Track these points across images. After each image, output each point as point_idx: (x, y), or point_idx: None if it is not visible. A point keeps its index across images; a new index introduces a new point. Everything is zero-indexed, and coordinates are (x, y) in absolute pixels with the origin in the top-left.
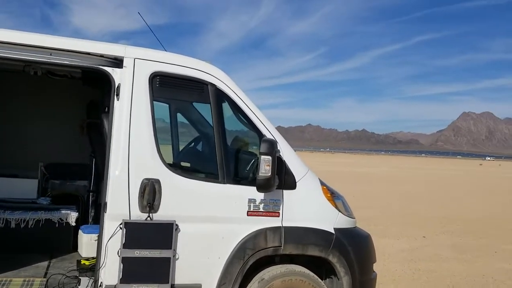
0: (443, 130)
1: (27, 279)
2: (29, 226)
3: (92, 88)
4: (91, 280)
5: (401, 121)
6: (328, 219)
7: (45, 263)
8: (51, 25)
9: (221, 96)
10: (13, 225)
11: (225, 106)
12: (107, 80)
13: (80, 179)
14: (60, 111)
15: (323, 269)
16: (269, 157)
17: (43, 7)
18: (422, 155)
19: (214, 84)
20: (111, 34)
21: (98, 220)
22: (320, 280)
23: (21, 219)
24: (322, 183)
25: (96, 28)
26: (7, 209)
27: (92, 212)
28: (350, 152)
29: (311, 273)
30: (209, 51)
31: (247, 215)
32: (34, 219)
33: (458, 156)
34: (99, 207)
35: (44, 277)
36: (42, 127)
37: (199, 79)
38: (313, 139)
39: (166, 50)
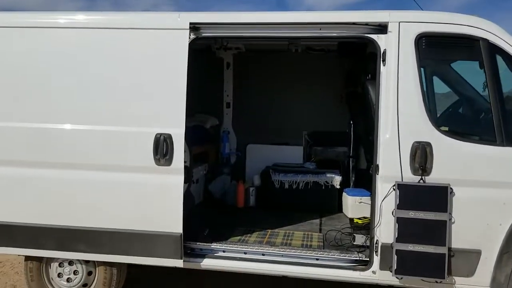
0: None
1: (306, 233)
2: (299, 188)
3: (348, 59)
4: (366, 238)
5: None
6: None
7: (317, 221)
8: (287, 6)
9: (494, 51)
10: (286, 186)
11: (500, 61)
12: (364, 47)
13: (340, 145)
14: (319, 84)
15: None
16: None
17: None
18: None
19: (486, 39)
20: (342, 7)
21: (359, 184)
22: None
23: (293, 181)
24: None
25: (327, 3)
26: (280, 172)
27: (353, 176)
28: None
29: None
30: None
31: None
32: (303, 181)
33: None
34: (359, 171)
35: (320, 232)
36: (304, 99)
37: (469, 35)
38: None
39: (422, 9)
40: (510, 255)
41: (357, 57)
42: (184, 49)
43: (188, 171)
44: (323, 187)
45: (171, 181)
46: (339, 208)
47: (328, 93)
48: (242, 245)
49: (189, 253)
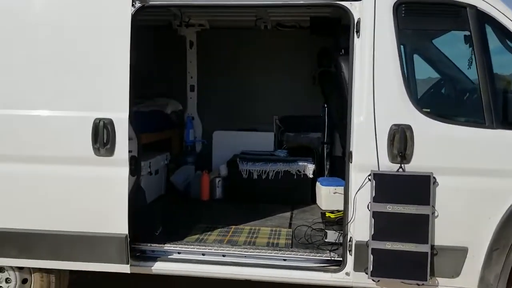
0: None
1: (274, 228)
2: (269, 178)
3: (321, 36)
4: (339, 234)
5: None
6: None
7: (288, 214)
8: None
9: (484, 20)
10: (255, 176)
11: (490, 33)
12: (338, 22)
13: (314, 131)
14: (291, 64)
15: None
16: None
17: None
18: None
19: (474, 6)
20: None
21: (334, 173)
22: None
23: (262, 170)
24: None
25: None
26: (249, 161)
27: (328, 164)
28: None
29: None
30: None
31: None
32: (274, 170)
33: None
34: (334, 159)
35: (289, 228)
36: (276, 81)
37: (455, 1)
38: None
39: None
40: (501, 253)
41: (331, 34)
42: (127, 18)
43: (135, 162)
44: (295, 177)
45: (114, 174)
46: (313, 199)
47: (301, 74)
48: (200, 245)
49: (139, 256)
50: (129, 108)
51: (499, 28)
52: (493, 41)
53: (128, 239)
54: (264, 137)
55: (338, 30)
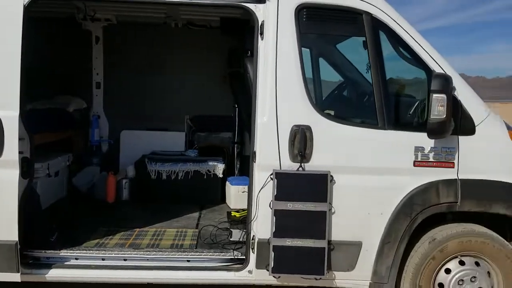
0: None
1: (179, 229)
2: (179, 178)
3: (232, 37)
4: (243, 233)
5: None
6: None
7: (196, 214)
8: None
9: (378, 26)
10: (164, 176)
11: (383, 38)
12: (247, 23)
13: (225, 131)
14: (202, 63)
15: (507, 230)
16: (443, 96)
17: None
18: None
19: (369, 13)
20: None
21: (244, 172)
22: (508, 243)
23: (171, 171)
24: (509, 127)
25: None
26: (157, 161)
27: (238, 163)
28: (503, 101)
29: (496, 234)
30: None
31: (414, 165)
32: (183, 170)
33: None
34: (244, 158)
35: (196, 228)
36: (187, 80)
37: (352, 8)
38: None
39: None
40: (391, 246)
41: (240, 35)
42: (18, 9)
43: (27, 164)
44: (205, 177)
45: (2, 177)
46: (223, 199)
47: (212, 74)
48: (100, 249)
49: (31, 263)
50: (20, 105)
51: (392, 34)
52: (388, 47)
53: (19, 246)
54: (175, 137)
55: (246, 31)
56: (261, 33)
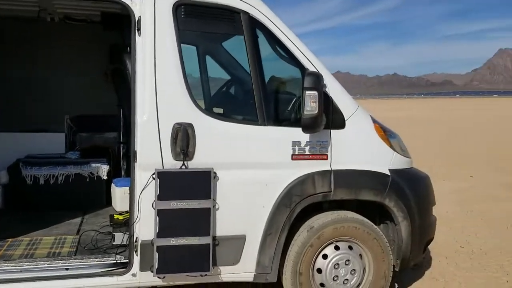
0: (478, 69)
1: (58, 237)
2: (58, 182)
3: (114, 32)
4: (126, 236)
5: (434, 62)
6: (382, 160)
7: (78, 220)
8: None
9: (255, 26)
10: (42, 181)
11: (261, 37)
12: (128, 18)
13: (109, 130)
14: (83, 60)
15: (376, 214)
16: (315, 92)
17: None
18: (457, 96)
19: (247, 12)
20: None
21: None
22: (376, 227)
23: (50, 175)
24: (375, 121)
25: None
26: (34, 165)
27: (124, 164)
28: (381, 97)
29: (366, 219)
30: None
31: (292, 159)
32: (63, 174)
33: (494, 95)
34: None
35: (76, 234)
36: (66, 78)
37: (230, 6)
38: (343, 87)
39: None
40: (273, 237)
41: (122, 29)
42: None
43: None
44: (88, 179)
45: None
46: (108, 201)
47: (93, 71)
48: None
49: None
50: None
51: (269, 34)
52: (266, 46)
53: None
54: (54, 138)
55: (125, 26)
56: (138, 29)
